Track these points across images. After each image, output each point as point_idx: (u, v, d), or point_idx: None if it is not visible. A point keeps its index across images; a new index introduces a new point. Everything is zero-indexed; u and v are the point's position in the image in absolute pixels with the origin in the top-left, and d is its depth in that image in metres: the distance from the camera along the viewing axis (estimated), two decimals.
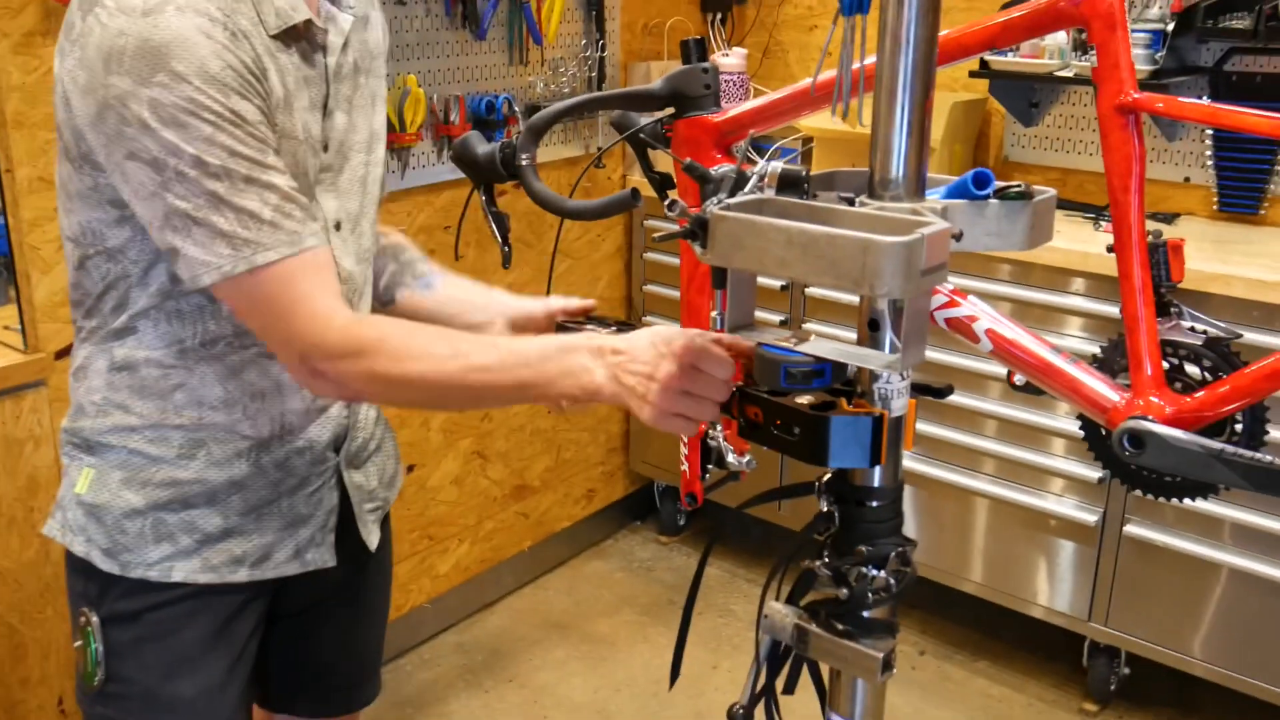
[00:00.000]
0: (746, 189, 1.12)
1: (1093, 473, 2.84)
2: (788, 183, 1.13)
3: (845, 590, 1.13)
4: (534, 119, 1.46)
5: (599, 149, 3.33)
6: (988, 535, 3.04)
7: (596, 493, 3.78)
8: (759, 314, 2.04)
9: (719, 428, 1.56)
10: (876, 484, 1.15)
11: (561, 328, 1.48)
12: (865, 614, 1.17)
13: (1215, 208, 3.10)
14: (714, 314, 1.18)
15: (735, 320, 1.13)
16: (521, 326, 1.57)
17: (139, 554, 1.45)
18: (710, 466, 1.60)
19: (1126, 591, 2.86)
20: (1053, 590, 2.97)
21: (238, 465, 1.46)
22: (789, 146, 3.10)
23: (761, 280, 2.85)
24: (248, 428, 1.45)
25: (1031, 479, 2.93)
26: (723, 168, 1.22)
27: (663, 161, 1.58)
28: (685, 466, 1.60)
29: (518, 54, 3.11)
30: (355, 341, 1.27)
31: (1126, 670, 3.02)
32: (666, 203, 1.08)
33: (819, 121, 3.16)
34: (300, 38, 1.37)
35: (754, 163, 1.16)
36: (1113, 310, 2.70)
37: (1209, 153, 3.08)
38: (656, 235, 1.12)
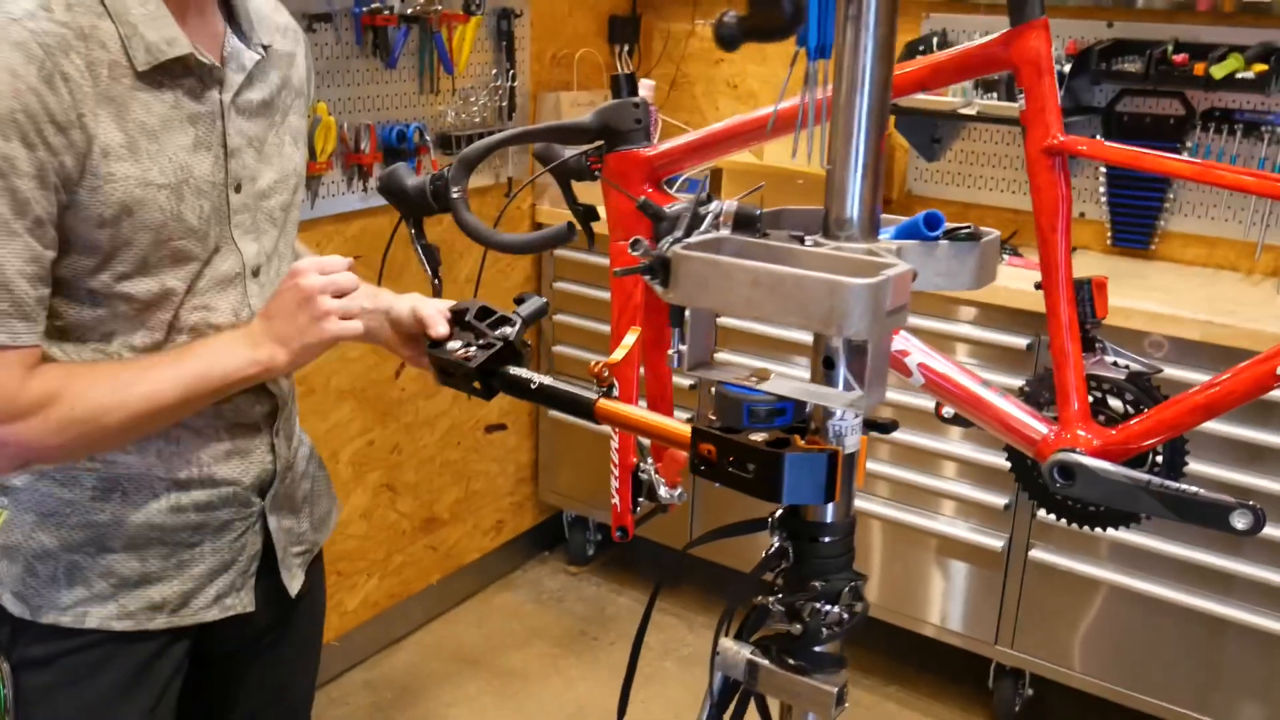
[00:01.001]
0: (703, 226, 1.12)
1: (999, 499, 2.89)
2: (743, 221, 1.14)
3: (798, 625, 1.12)
4: (467, 152, 1.45)
5: (509, 179, 3.31)
6: (892, 560, 3.08)
7: (505, 523, 3.76)
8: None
9: (650, 460, 1.56)
10: (829, 519, 1.15)
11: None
12: (817, 649, 1.16)
13: (1109, 242, 3.20)
14: (671, 351, 1.14)
15: (695, 358, 1.13)
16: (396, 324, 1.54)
17: (50, 598, 1.40)
18: (641, 499, 1.60)
19: (1031, 614, 2.91)
20: (959, 614, 3.01)
21: (155, 508, 1.42)
22: (695, 178, 3.13)
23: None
24: (162, 470, 1.41)
25: (936, 505, 2.98)
26: (676, 205, 1.21)
27: (583, 194, 1.57)
28: (616, 500, 1.59)
29: (428, 83, 3.09)
30: (39, 395, 1.27)
31: (1030, 691, 3.09)
32: (630, 241, 1.07)
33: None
34: (187, 74, 1.32)
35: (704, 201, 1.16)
36: (1016, 341, 2.77)
37: (1103, 189, 3.18)
38: (617, 270, 1.11)
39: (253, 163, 1.39)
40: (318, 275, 1.34)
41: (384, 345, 1.51)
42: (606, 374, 1.17)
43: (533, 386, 1.27)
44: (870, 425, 1.16)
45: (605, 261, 1.50)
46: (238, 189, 1.37)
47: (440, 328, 1.41)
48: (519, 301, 1.39)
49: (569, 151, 1.52)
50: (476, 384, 1.31)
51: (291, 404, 1.57)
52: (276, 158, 1.44)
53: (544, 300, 1.32)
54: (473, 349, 1.34)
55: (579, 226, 1.41)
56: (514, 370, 1.31)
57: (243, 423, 1.47)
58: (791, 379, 1.11)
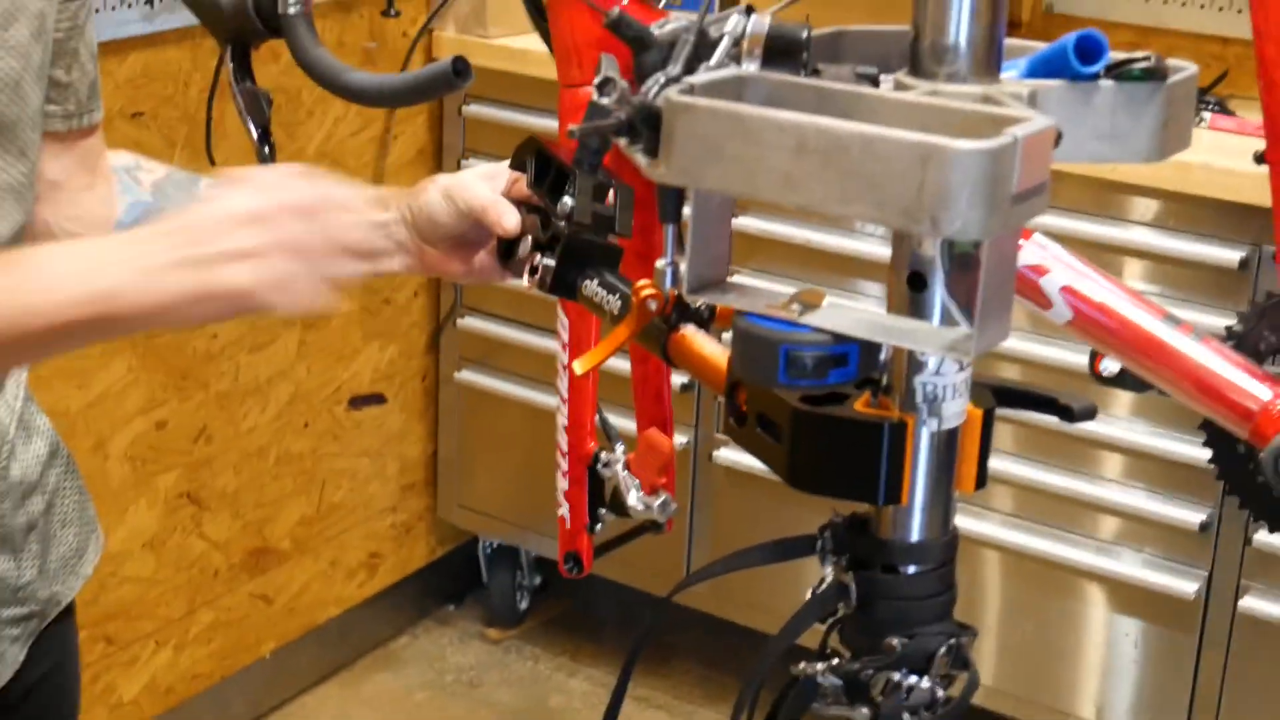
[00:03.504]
0: (715, 58, 0.83)
1: (1192, 514, 2.15)
2: (780, 49, 0.84)
3: (866, 710, 0.87)
4: None
5: None
6: (1010, 608, 2.33)
7: (384, 559, 2.71)
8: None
9: (619, 451, 1.18)
10: (915, 536, 0.86)
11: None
12: None
13: None
14: (661, 262, 0.87)
15: (701, 273, 0.84)
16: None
17: None
18: (603, 511, 1.22)
19: (1243, 696, 2.16)
20: (1128, 699, 2.28)
21: None
22: None
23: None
24: None
25: (1089, 524, 2.23)
26: (671, 23, 0.92)
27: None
28: (564, 509, 1.20)
29: None
30: None
31: None
32: (596, 81, 0.79)
33: None
34: None
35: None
36: (1222, 254, 2.08)
37: None
38: (572, 129, 0.83)
39: None
40: (345, 213, 0.97)
41: (404, 270, 1.11)
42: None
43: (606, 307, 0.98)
44: (1012, 397, 0.87)
45: (548, 123, 1.14)
46: None
47: (510, 218, 1.05)
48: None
49: None
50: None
51: None
52: None
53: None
54: (539, 256, 1.01)
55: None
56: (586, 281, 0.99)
57: None
58: (856, 309, 0.83)
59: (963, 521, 2.34)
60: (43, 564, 1.09)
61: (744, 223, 2.34)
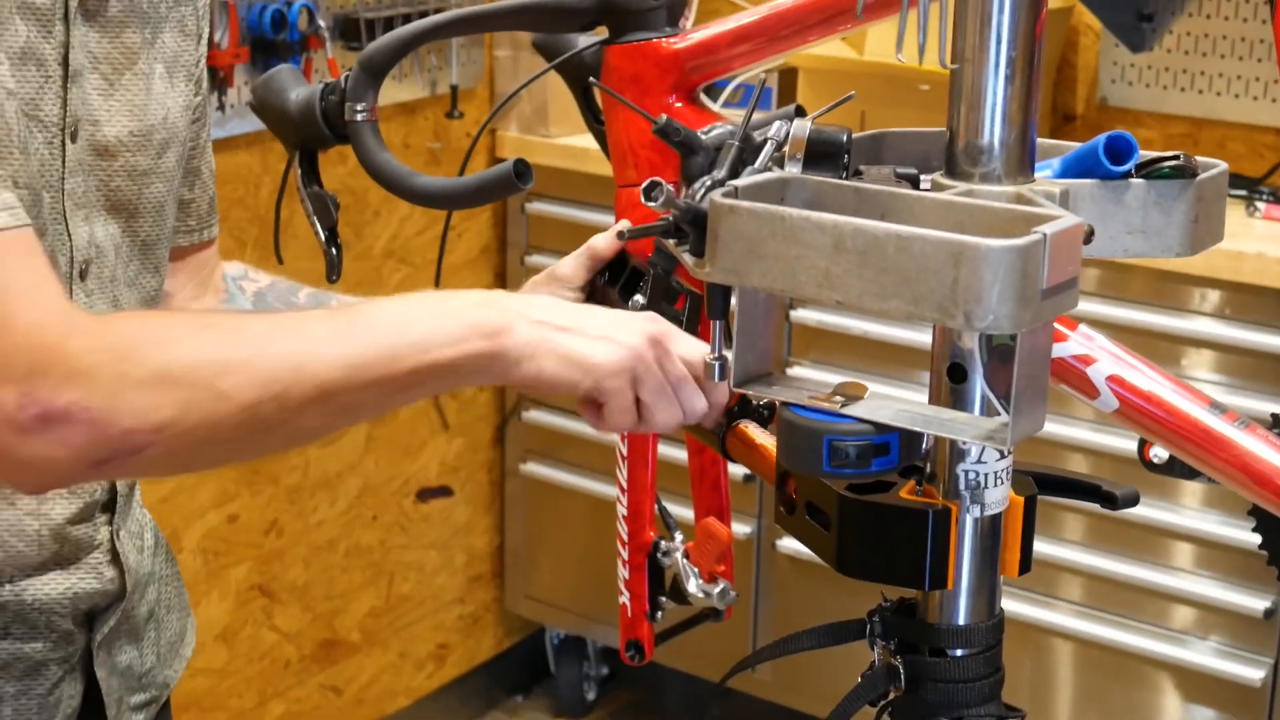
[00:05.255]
0: (759, 162, 0.84)
1: (1256, 601, 2.12)
2: (821, 152, 0.85)
3: None
4: (372, 49, 1.08)
5: (453, 88, 2.41)
6: (1079, 697, 2.29)
7: (452, 650, 2.71)
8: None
9: (678, 540, 1.16)
10: (962, 620, 0.85)
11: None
12: None
13: None
14: (708, 356, 0.87)
15: (747, 366, 0.85)
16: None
17: None
18: (663, 599, 1.21)
19: None
20: None
21: None
22: (751, 83, 2.50)
23: None
24: None
25: (1147, 609, 2.21)
26: (717, 128, 0.94)
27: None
28: (624, 598, 1.19)
29: None
30: (112, 335, 0.82)
31: None
32: (644, 185, 0.80)
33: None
34: None
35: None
36: (1270, 341, 2.06)
37: None
38: (623, 233, 0.86)
39: (97, 98, 0.99)
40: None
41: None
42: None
43: None
44: (1056, 485, 0.88)
45: (609, 220, 1.13)
46: (73, 136, 0.98)
47: (605, 236, 1.06)
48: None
49: (582, 41, 1.15)
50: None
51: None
52: (139, 94, 1.03)
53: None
54: None
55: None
56: None
57: (55, 521, 1.01)
58: (897, 400, 0.84)
59: (1031, 610, 2.29)
60: (158, 650, 1.11)
61: (802, 315, 2.34)
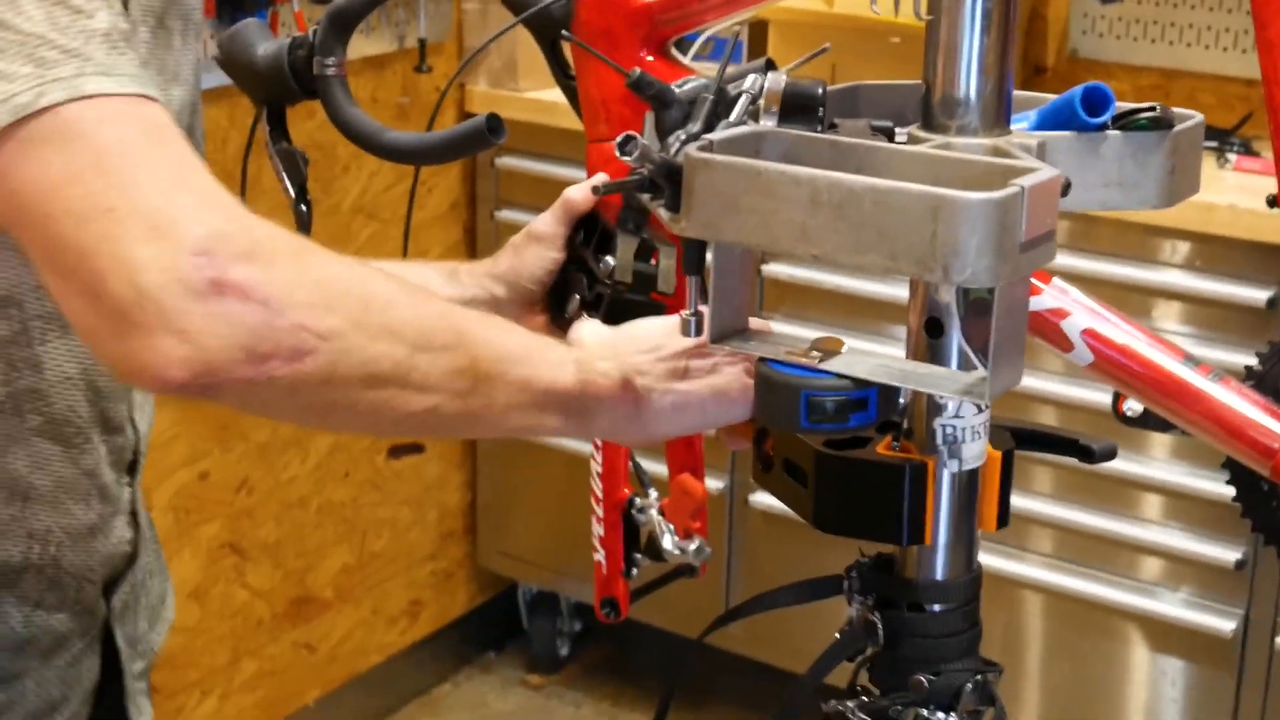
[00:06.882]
0: (733, 115, 0.83)
1: (1227, 553, 2.12)
2: (797, 105, 0.84)
3: None
4: (340, 2, 1.07)
5: (421, 42, 2.39)
6: (1050, 649, 2.33)
7: (425, 606, 2.71)
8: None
9: (653, 497, 1.16)
10: (940, 575, 0.85)
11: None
12: None
13: None
14: (685, 312, 0.85)
15: (724, 321, 0.84)
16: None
17: None
18: (638, 556, 1.20)
19: None
20: None
21: None
22: (722, 36, 2.51)
23: None
24: None
25: (1124, 564, 2.21)
26: (690, 82, 0.92)
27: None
28: (600, 555, 1.19)
29: None
30: (288, 238, 0.77)
31: None
32: (618, 140, 0.79)
33: None
34: None
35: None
36: (1245, 294, 2.07)
37: None
38: (598, 187, 0.83)
39: (180, 90, 1.00)
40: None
41: None
42: None
43: None
44: (1033, 439, 0.89)
45: (579, 175, 1.11)
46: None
47: (579, 187, 1.05)
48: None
49: None
50: None
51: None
52: (168, 55, 1.03)
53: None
54: (585, 314, 1.05)
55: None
56: None
57: (105, 478, 1.00)
58: (875, 355, 0.84)
59: (1001, 563, 2.29)
60: (150, 615, 1.11)
61: (775, 269, 2.33)
